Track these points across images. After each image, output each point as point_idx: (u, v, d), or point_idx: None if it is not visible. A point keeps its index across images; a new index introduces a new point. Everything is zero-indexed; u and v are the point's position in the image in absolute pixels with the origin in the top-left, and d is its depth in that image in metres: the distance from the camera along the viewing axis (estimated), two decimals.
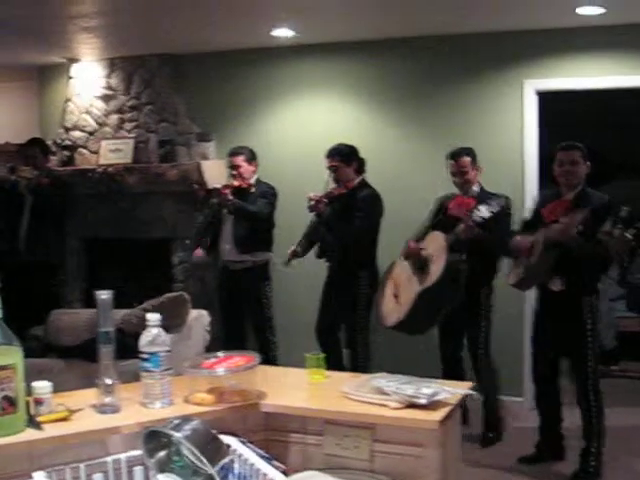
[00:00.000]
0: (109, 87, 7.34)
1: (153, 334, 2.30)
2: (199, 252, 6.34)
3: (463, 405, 5.58)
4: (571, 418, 5.00)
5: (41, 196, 6.45)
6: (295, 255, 5.92)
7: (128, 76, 7.25)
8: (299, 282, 6.59)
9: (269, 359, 6.29)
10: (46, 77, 7.71)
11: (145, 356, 2.31)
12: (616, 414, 5.22)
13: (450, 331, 5.63)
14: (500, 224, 5.14)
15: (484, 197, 5.26)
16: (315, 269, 6.08)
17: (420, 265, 5.30)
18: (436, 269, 5.14)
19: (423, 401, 2.23)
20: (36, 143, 6.79)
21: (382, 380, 2.36)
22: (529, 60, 6.13)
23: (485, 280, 5.43)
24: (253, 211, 6.02)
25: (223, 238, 6.24)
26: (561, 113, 6.28)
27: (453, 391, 2.34)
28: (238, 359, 2.42)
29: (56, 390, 2.40)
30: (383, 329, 5.56)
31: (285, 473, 2.05)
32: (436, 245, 5.23)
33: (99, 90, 7.36)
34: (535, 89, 6.13)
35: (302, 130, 6.83)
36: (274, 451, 2.43)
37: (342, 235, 5.72)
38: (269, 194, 6.15)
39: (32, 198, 6.47)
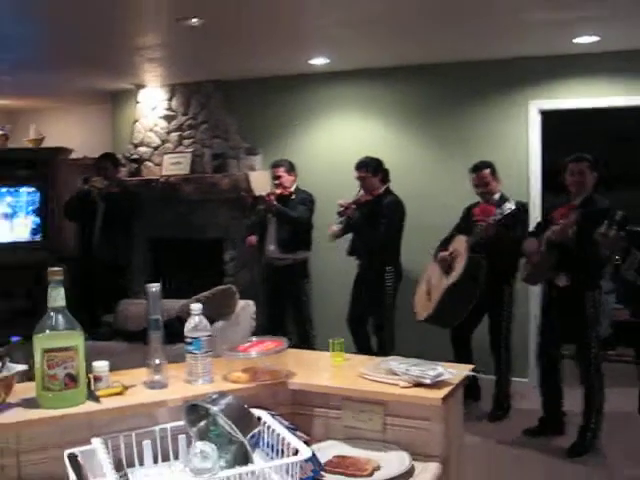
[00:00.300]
0: (170, 109, 7.41)
1: (196, 321, 2.30)
2: (252, 239, 6.33)
3: (475, 384, 5.65)
4: (573, 398, 4.94)
5: (111, 203, 6.51)
6: (335, 233, 5.92)
7: (187, 99, 7.31)
8: (333, 278, 6.59)
9: (308, 344, 6.30)
10: (118, 101, 7.80)
11: (189, 340, 2.30)
12: (611, 394, 5.14)
13: (468, 326, 5.60)
14: (517, 223, 5.11)
15: (503, 203, 5.23)
16: (346, 267, 6.07)
17: (448, 266, 5.28)
18: (459, 267, 5.13)
19: (428, 381, 2.21)
20: (107, 157, 6.85)
21: (393, 362, 2.35)
22: (533, 83, 6.08)
23: (506, 278, 5.38)
24: (294, 216, 6.03)
25: (268, 239, 6.26)
26: (562, 130, 6.19)
27: (455, 373, 2.32)
28: (269, 343, 2.42)
29: (119, 369, 2.42)
30: (417, 323, 5.52)
31: (307, 443, 2.03)
32: (459, 246, 5.22)
33: (162, 111, 7.43)
34: (539, 109, 6.08)
35: (335, 145, 6.83)
36: (300, 423, 2.42)
37: (369, 240, 5.71)
38: (307, 200, 6.16)
39: (104, 205, 6.53)
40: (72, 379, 2.12)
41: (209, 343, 2.32)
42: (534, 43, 5.56)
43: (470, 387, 5.79)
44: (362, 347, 5.95)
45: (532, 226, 5.30)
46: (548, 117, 6.12)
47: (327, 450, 2.26)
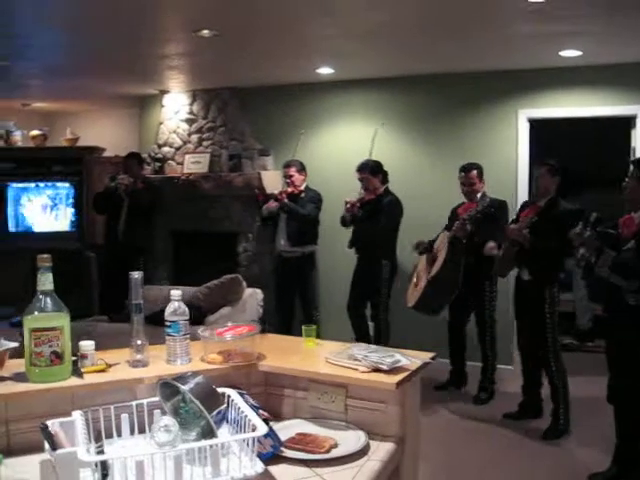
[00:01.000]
0: (192, 113, 7.43)
1: (175, 306, 2.29)
2: (272, 203, 6.25)
3: (463, 370, 5.62)
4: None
5: (135, 198, 6.53)
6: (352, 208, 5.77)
7: (206, 104, 7.32)
8: (337, 269, 6.59)
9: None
10: (145, 105, 7.84)
11: (168, 324, 2.30)
12: (590, 382, 5.10)
13: (457, 314, 5.58)
14: (485, 220, 5.08)
15: (484, 200, 5.24)
16: (347, 259, 6.05)
17: (432, 259, 5.28)
18: (439, 261, 5.12)
19: (385, 367, 2.18)
20: (133, 156, 6.87)
21: (355, 349, 2.32)
22: (522, 94, 6.05)
23: (486, 273, 5.35)
24: (303, 214, 6.03)
25: (279, 233, 6.26)
26: (546, 137, 6.13)
27: (413, 360, 2.28)
28: (243, 328, 2.40)
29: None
30: (407, 309, 5.51)
31: (267, 420, 2.02)
32: (441, 242, 5.22)
33: (184, 115, 7.46)
34: (527, 117, 6.04)
35: (340, 148, 6.81)
36: (271, 402, 2.41)
37: (368, 233, 5.70)
38: (316, 199, 6.16)
39: (128, 199, 6.55)
40: (57, 356, 2.12)
41: (186, 326, 2.31)
42: (523, 56, 5.51)
43: (458, 374, 5.78)
44: (360, 333, 5.95)
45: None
46: (536, 125, 6.05)
47: (292, 428, 2.24)
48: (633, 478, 3.84)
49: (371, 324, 5.96)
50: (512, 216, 5.15)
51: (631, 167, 3.75)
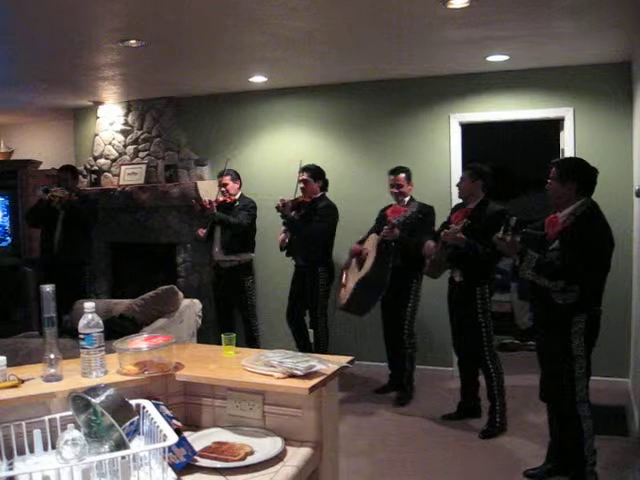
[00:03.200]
0: (127, 124, 7.34)
1: (88, 319, 2.27)
2: (201, 232, 6.24)
3: (403, 374, 5.67)
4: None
5: (70, 210, 6.43)
6: (284, 242, 5.91)
7: (141, 115, 7.25)
8: (275, 277, 6.61)
9: (253, 338, 6.30)
10: (79, 117, 7.71)
11: (82, 336, 2.28)
12: (529, 380, 5.19)
13: (390, 316, 5.63)
14: (417, 225, 5.17)
15: (413, 204, 5.33)
16: (285, 266, 6.08)
17: (361, 260, 5.34)
18: (369, 263, 5.20)
19: (299, 372, 2.20)
20: (67, 169, 6.74)
21: (271, 355, 2.33)
22: (453, 98, 6.15)
23: (413, 273, 5.42)
24: (234, 222, 6.00)
25: (214, 242, 6.23)
26: (481, 140, 6.26)
27: (329, 364, 2.31)
28: (159, 338, 2.40)
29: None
30: (338, 310, 5.56)
31: (179, 430, 2.02)
32: (371, 244, 5.28)
33: (119, 126, 7.37)
34: (459, 121, 6.14)
35: (276, 155, 6.81)
36: (190, 412, 2.42)
37: (304, 237, 5.72)
38: (249, 207, 6.14)
39: (64, 212, 6.45)
40: None
41: (100, 339, 2.30)
42: (452, 61, 5.60)
43: (398, 377, 5.83)
44: (300, 341, 5.97)
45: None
46: (468, 128, 6.16)
47: (209, 436, 2.24)
48: (566, 473, 3.92)
49: (311, 331, 5.98)
50: (441, 219, 5.23)
51: (552, 169, 3.84)
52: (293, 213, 5.77)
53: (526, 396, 5.26)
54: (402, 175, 5.47)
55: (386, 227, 5.17)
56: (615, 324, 5.22)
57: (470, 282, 4.78)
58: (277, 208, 5.72)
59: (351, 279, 5.34)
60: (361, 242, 5.52)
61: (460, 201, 5.09)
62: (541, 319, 3.95)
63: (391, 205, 5.56)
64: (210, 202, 5.98)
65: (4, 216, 7.97)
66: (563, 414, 3.84)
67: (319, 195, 5.82)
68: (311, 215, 5.71)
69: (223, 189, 6.17)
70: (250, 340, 6.24)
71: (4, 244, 7.97)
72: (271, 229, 6.19)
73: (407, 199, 5.48)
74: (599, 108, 5.73)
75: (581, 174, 3.72)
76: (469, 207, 4.84)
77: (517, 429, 4.87)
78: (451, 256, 4.75)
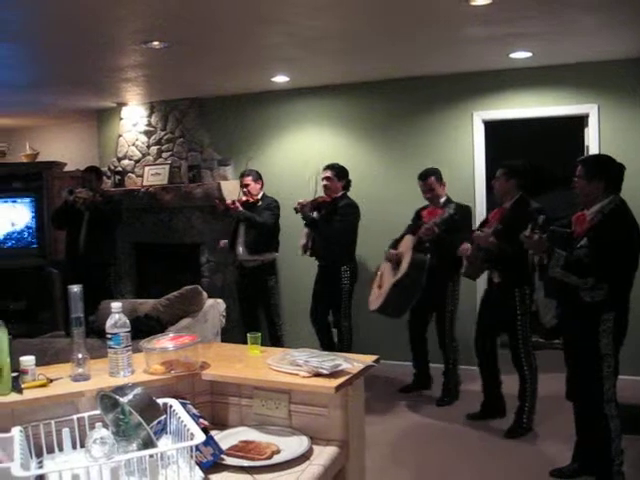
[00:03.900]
0: (150, 125, 7.40)
1: (115, 319, 2.30)
2: (222, 242, 6.31)
3: (427, 373, 5.66)
4: (511, 383, 4.94)
5: (95, 211, 6.49)
6: (305, 247, 5.92)
7: (164, 116, 7.31)
8: (299, 277, 6.61)
9: (277, 337, 6.31)
10: (103, 118, 7.78)
11: (109, 336, 2.30)
12: (555, 379, 5.14)
13: (418, 315, 5.61)
14: (455, 225, 5.10)
15: (449, 205, 5.27)
16: (309, 266, 6.07)
17: (396, 263, 5.29)
18: (404, 265, 5.14)
19: (325, 371, 2.20)
20: (91, 170, 6.80)
21: (296, 354, 2.34)
22: (476, 96, 6.12)
23: (449, 275, 5.39)
24: (259, 221, 6.01)
25: (238, 242, 6.24)
26: (505, 137, 6.22)
27: (355, 364, 2.31)
28: (185, 338, 2.41)
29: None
30: (370, 313, 5.50)
31: (206, 429, 2.03)
32: (406, 246, 5.23)
33: (143, 127, 7.43)
34: (482, 119, 6.10)
35: (298, 155, 6.82)
36: (217, 411, 2.43)
37: (325, 237, 5.71)
38: (273, 206, 6.14)
39: (88, 213, 6.51)
40: None
41: (128, 338, 2.32)
42: (474, 59, 5.58)
43: (422, 376, 5.82)
44: (323, 340, 5.96)
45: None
46: (493, 126, 6.13)
47: (236, 435, 2.25)
48: (593, 473, 3.89)
49: (334, 330, 5.97)
50: (478, 218, 5.19)
51: (579, 166, 3.80)
52: (314, 213, 5.76)
53: (552, 395, 5.20)
54: (432, 178, 5.41)
55: (423, 228, 5.11)
56: None
57: (509, 283, 4.72)
58: (295, 210, 5.72)
59: (386, 281, 5.30)
60: (395, 243, 5.46)
61: (482, 200, 5.05)
62: (568, 317, 3.91)
63: (427, 206, 5.49)
64: (234, 202, 6.00)
65: (31, 218, 8.05)
66: (590, 413, 3.80)
67: (340, 194, 5.81)
68: (332, 214, 5.71)
69: (245, 189, 6.19)
70: (274, 339, 6.25)
71: (31, 245, 8.05)
72: (294, 229, 6.17)
73: (442, 200, 5.43)
74: (624, 104, 5.67)
75: (608, 171, 3.69)
76: (504, 206, 4.79)
77: (543, 429, 4.83)
78: (486, 258, 4.71)
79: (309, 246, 5.93)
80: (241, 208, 5.99)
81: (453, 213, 5.10)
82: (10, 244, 7.95)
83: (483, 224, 4.98)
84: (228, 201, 6.16)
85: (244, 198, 6.13)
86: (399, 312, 5.37)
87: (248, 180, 6.16)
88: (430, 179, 5.42)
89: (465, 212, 5.34)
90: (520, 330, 4.74)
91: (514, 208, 4.73)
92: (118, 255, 7.13)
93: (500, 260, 4.65)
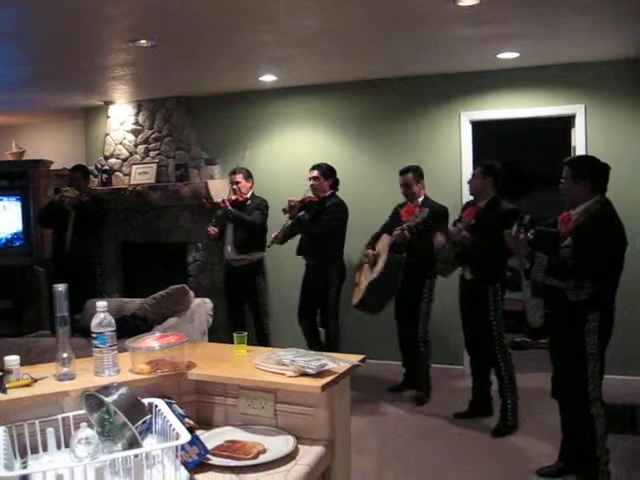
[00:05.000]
0: (137, 123, 7.36)
1: (101, 318, 2.29)
2: (212, 230, 6.25)
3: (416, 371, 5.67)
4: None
5: (82, 210, 6.47)
6: (276, 239, 5.87)
7: (152, 114, 7.27)
8: (287, 276, 6.60)
9: (264, 336, 6.31)
10: (90, 116, 7.73)
11: (94, 335, 2.29)
12: (541, 378, 5.17)
13: (403, 316, 5.62)
14: (430, 226, 5.11)
15: (427, 205, 5.29)
16: (296, 265, 6.06)
17: (374, 261, 5.33)
18: (380, 264, 5.19)
19: (311, 371, 2.20)
20: (79, 169, 6.78)
21: (283, 353, 2.33)
22: (463, 96, 6.13)
23: (424, 273, 5.41)
24: (249, 220, 6.01)
25: (226, 241, 6.23)
26: (491, 137, 6.23)
27: (340, 363, 2.31)
28: (171, 337, 2.40)
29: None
30: (357, 312, 5.56)
31: (191, 429, 2.02)
32: (383, 245, 5.27)
33: (130, 126, 7.39)
34: (469, 119, 6.12)
35: (287, 154, 6.82)
36: (203, 411, 2.42)
37: (313, 236, 5.71)
38: (262, 206, 6.14)
39: (74, 212, 6.48)
40: None
41: (113, 338, 2.31)
42: (462, 59, 5.59)
43: (411, 375, 5.83)
44: (311, 339, 5.96)
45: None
46: (478, 126, 6.15)
47: (222, 435, 2.25)
48: (579, 471, 3.91)
49: (322, 330, 5.97)
50: (453, 218, 5.22)
51: (564, 168, 3.82)
52: (302, 213, 5.76)
53: (538, 394, 5.23)
54: (410, 175, 5.46)
55: (397, 231, 5.13)
56: (628, 322, 5.19)
57: (481, 280, 4.76)
58: (284, 211, 5.73)
59: (363, 280, 5.36)
60: (372, 241, 5.50)
61: (471, 198, 5.07)
62: (554, 317, 3.93)
63: (406, 203, 5.53)
64: (224, 201, 5.99)
65: (17, 216, 7.99)
66: (576, 413, 3.82)
67: (328, 194, 5.81)
68: (320, 214, 5.71)
69: (235, 187, 6.17)
70: (261, 339, 6.25)
71: (16, 244, 8.00)
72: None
73: (421, 199, 5.46)
74: (611, 105, 5.71)
75: (594, 172, 3.72)
76: (479, 205, 4.83)
77: (529, 427, 4.86)
78: (458, 254, 4.74)
79: (280, 238, 5.87)
80: (230, 207, 5.98)
81: (426, 217, 5.12)
82: None
83: (457, 222, 4.99)
84: (217, 200, 6.14)
85: (233, 197, 6.12)
86: (376, 309, 5.43)
87: (238, 178, 6.15)
88: (408, 175, 5.47)
89: (441, 214, 5.35)
90: (494, 327, 4.77)
91: (488, 207, 4.77)
92: (105, 254, 7.10)
93: (472, 257, 4.68)
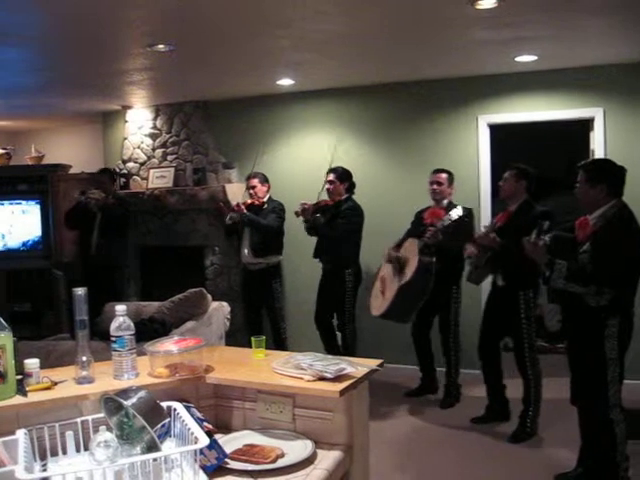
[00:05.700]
0: (155, 127, 7.40)
1: (120, 321, 2.30)
2: (220, 205, 6.27)
3: (433, 377, 5.65)
4: (516, 387, 4.94)
5: (108, 213, 6.53)
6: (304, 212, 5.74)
7: (170, 119, 7.31)
8: (304, 280, 6.60)
9: (281, 340, 6.31)
10: (108, 121, 7.79)
11: (113, 339, 2.30)
12: (559, 384, 5.13)
13: (420, 319, 5.59)
14: (462, 228, 5.06)
15: (451, 208, 5.24)
16: (313, 269, 6.06)
17: (400, 267, 5.25)
18: (410, 269, 5.09)
19: (329, 375, 2.20)
20: (105, 172, 6.88)
21: (301, 357, 2.33)
22: (481, 99, 6.11)
23: (453, 279, 5.39)
24: (264, 224, 6.02)
25: (243, 245, 6.25)
26: (509, 141, 6.21)
27: (359, 367, 2.30)
28: (189, 341, 2.41)
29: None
30: (372, 317, 5.49)
31: (210, 433, 2.03)
32: (410, 249, 5.19)
33: (148, 130, 7.43)
34: (487, 123, 6.10)
35: (304, 158, 6.82)
36: (221, 414, 2.43)
37: (329, 239, 5.70)
38: (278, 209, 6.15)
39: (100, 215, 6.54)
40: (0, 376, 2.12)
41: (132, 341, 2.32)
42: (480, 62, 5.57)
43: (428, 380, 5.81)
44: (328, 343, 5.95)
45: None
46: (496, 129, 6.12)
47: (241, 439, 2.25)
48: (598, 478, 3.87)
49: (339, 334, 5.96)
50: (483, 222, 5.18)
51: (580, 172, 3.79)
52: (318, 215, 5.75)
53: (556, 399, 5.18)
54: (444, 174, 5.44)
55: (429, 232, 5.07)
56: None
57: (513, 286, 4.71)
58: (296, 214, 5.72)
59: (389, 287, 5.24)
60: (397, 246, 5.41)
61: (486, 204, 5.02)
62: (573, 322, 3.90)
63: (428, 207, 5.49)
64: (238, 204, 6.01)
65: (37, 220, 8.04)
66: (595, 418, 3.78)
67: (344, 197, 5.81)
68: (336, 217, 5.70)
69: (251, 191, 6.19)
70: (278, 343, 6.25)
71: (36, 248, 8.05)
72: (299, 232, 6.18)
73: (446, 202, 5.42)
74: (630, 108, 5.66)
75: (610, 175, 3.68)
76: (509, 209, 4.78)
77: (547, 433, 4.82)
78: (489, 260, 4.69)
79: (310, 217, 5.75)
80: (245, 211, 6.00)
81: (463, 215, 5.04)
82: (15, 246, 7.97)
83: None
84: (233, 203, 6.16)
85: (249, 201, 6.13)
86: (405, 317, 5.34)
87: (255, 182, 6.17)
88: (442, 174, 5.44)
89: (471, 214, 5.32)
90: (525, 334, 4.73)
91: (520, 211, 4.71)
92: (129, 257, 7.16)
93: (505, 263, 4.63)
